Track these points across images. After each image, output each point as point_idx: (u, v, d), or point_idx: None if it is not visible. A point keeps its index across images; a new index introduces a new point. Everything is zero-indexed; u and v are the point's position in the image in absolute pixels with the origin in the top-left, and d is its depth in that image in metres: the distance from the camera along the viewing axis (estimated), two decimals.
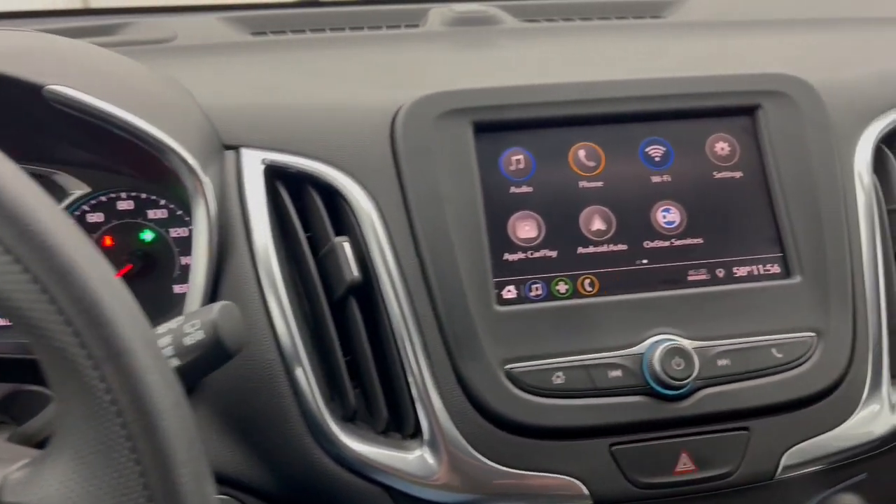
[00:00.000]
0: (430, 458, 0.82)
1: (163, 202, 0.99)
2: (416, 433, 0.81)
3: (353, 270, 0.83)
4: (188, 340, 0.61)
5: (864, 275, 0.92)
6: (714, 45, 1.18)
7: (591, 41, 1.21)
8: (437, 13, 1.26)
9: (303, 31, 1.22)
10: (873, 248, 0.93)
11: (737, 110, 0.95)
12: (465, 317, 0.84)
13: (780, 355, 0.87)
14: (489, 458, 0.81)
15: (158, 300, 0.97)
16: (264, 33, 1.21)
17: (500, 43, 1.19)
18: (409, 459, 0.82)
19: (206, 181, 0.81)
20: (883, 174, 0.99)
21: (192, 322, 0.62)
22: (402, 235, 0.83)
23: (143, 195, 0.99)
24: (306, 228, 0.85)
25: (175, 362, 0.60)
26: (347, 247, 0.84)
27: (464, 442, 0.82)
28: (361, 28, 1.24)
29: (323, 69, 1.06)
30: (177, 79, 0.93)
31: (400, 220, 0.83)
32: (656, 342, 0.85)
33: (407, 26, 1.26)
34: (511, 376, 0.83)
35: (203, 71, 1.04)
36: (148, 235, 0.99)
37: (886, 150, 1.01)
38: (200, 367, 0.61)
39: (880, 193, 0.97)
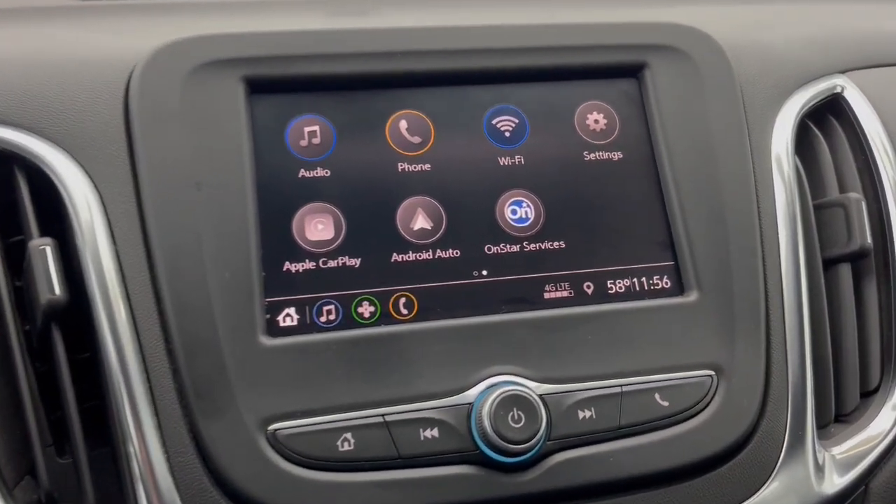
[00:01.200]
0: None
1: None
2: None
3: (56, 287, 0.58)
4: None
5: (783, 291, 0.69)
6: (608, 14, 0.94)
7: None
8: None
9: None
10: (794, 256, 0.71)
11: (616, 70, 0.73)
12: (212, 354, 0.58)
13: (665, 403, 0.63)
14: None
15: None
16: None
17: None
18: None
19: None
20: (808, 159, 0.77)
21: None
22: (130, 237, 0.62)
23: None
24: (10, 227, 0.62)
25: None
26: (49, 253, 0.59)
27: None
28: None
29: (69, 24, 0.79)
30: None
31: (128, 214, 0.63)
32: (491, 387, 0.60)
33: None
34: (276, 441, 0.58)
35: None
36: None
37: (813, 127, 0.78)
38: None
39: (805, 183, 0.75)
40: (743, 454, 0.64)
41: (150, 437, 0.58)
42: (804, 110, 0.78)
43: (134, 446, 0.58)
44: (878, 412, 0.71)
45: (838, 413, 0.72)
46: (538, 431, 0.59)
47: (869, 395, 0.73)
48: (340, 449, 0.58)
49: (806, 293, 0.70)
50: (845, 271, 0.75)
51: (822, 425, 0.70)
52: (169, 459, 0.58)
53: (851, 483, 0.68)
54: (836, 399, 0.72)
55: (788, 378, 0.67)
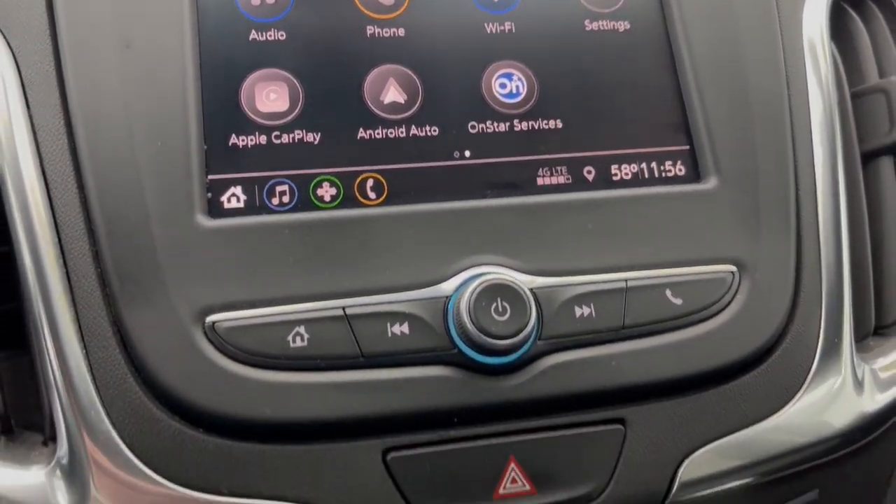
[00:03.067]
0: (62, 477, 0.47)
1: None
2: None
3: None
4: None
5: (817, 185, 0.60)
6: None
7: None
8: None
9: None
10: (830, 147, 0.61)
11: None
12: (139, 235, 0.49)
13: (678, 301, 0.53)
14: (171, 479, 0.47)
15: None
16: None
17: None
18: (28, 483, 0.47)
19: None
20: (845, 44, 0.67)
21: None
22: (47, 102, 0.54)
23: None
24: None
25: None
26: None
27: (124, 449, 0.47)
28: None
29: None
30: None
31: (45, 76, 0.55)
32: (472, 278, 0.51)
33: None
34: (214, 335, 0.49)
35: None
36: None
37: (850, 9, 0.68)
38: None
39: (841, 69, 0.65)
40: (769, 362, 0.55)
41: (64, 328, 0.49)
42: None
43: (46, 340, 0.49)
44: None
45: (878, 325, 0.62)
46: (526, 326, 0.49)
47: None
48: (292, 345, 0.49)
49: (843, 188, 0.61)
50: (887, 165, 0.65)
51: (860, 337, 0.60)
52: (87, 355, 0.49)
53: (894, 401, 0.58)
54: (877, 308, 0.62)
55: (822, 278, 0.57)
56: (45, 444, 0.51)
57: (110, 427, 0.48)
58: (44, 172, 0.51)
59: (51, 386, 0.49)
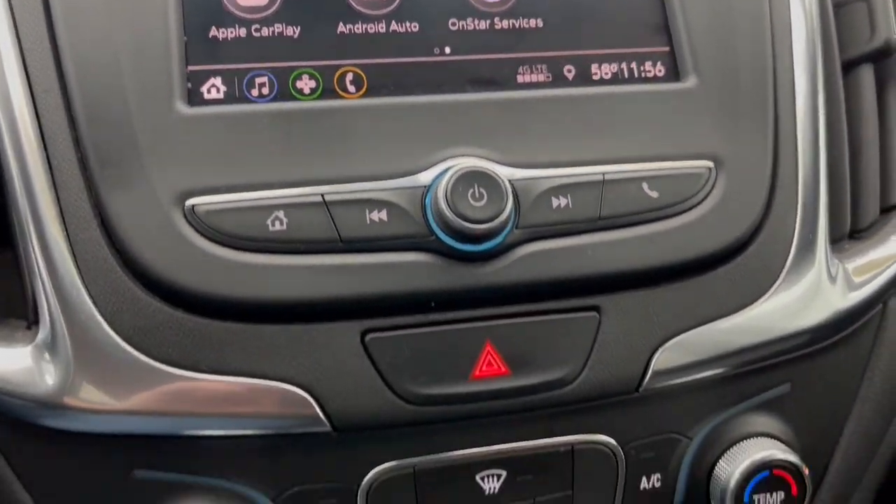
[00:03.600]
0: (46, 356, 0.48)
1: None
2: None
3: None
4: None
5: (795, 90, 0.60)
6: None
7: None
8: None
9: None
10: (810, 53, 0.61)
11: None
12: (120, 121, 0.50)
13: (654, 194, 0.54)
14: (152, 356, 0.48)
15: None
16: None
17: None
18: (11, 362, 0.48)
19: None
20: None
21: None
22: None
23: None
24: None
25: None
26: None
27: (106, 327, 0.48)
28: None
29: None
30: None
31: None
32: (450, 168, 0.51)
33: None
34: (194, 217, 0.49)
35: None
36: None
37: None
38: None
39: None
40: (743, 256, 0.55)
41: (45, 210, 0.49)
42: None
43: (27, 223, 0.49)
44: None
45: (854, 229, 0.63)
46: (503, 212, 0.50)
47: (889, 210, 0.64)
48: (271, 228, 0.49)
49: (822, 92, 0.61)
50: (867, 73, 0.65)
51: (835, 240, 0.61)
52: (68, 237, 0.49)
53: (868, 298, 0.59)
54: (853, 213, 0.63)
55: (799, 177, 0.58)
56: (28, 328, 0.51)
57: (92, 306, 0.48)
58: (24, 60, 0.51)
59: (33, 268, 0.50)
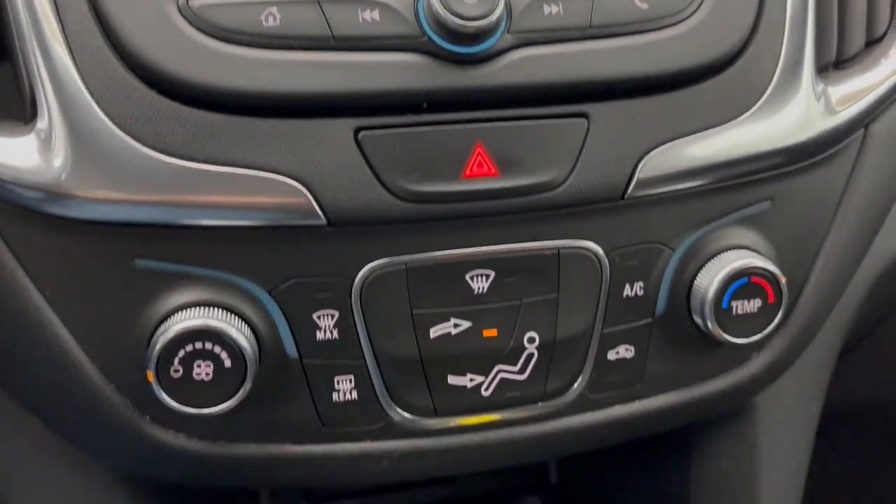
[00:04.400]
0: (44, 144, 0.49)
1: None
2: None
3: None
4: None
5: None
6: None
7: None
8: None
9: None
10: None
11: None
12: None
13: (644, 5, 0.55)
14: (149, 145, 0.49)
15: None
16: None
17: None
18: (12, 147, 0.49)
19: None
20: None
21: None
22: None
23: None
24: None
25: None
26: None
27: (102, 115, 0.49)
28: None
29: None
30: None
31: None
32: None
33: None
34: (189, 11, 0.50)
35: None
36: None
37: None
38: None
39: None
40: (730, 70, 0.56)
41: (41, 4, 0.49)
42: None
43: (24, 18, 0.49)
44: (882, 59, 0.63)
45: (840, 58, 0.64)
46: (495, 11, 0.50)
47: (873, 43, 0.65)
48: (264, 24, 0.50)
49: None
50: None
51: (821, 68, 0.62)
52: (63, 28, 0.49)
53: (850, 120, 0.60)
54: (839, 44, 0.63)
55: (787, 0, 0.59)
56: (26, 123, 0.52)
57: (88, 96, 0.49)
58: None
59: (30, 64, 0.50)
